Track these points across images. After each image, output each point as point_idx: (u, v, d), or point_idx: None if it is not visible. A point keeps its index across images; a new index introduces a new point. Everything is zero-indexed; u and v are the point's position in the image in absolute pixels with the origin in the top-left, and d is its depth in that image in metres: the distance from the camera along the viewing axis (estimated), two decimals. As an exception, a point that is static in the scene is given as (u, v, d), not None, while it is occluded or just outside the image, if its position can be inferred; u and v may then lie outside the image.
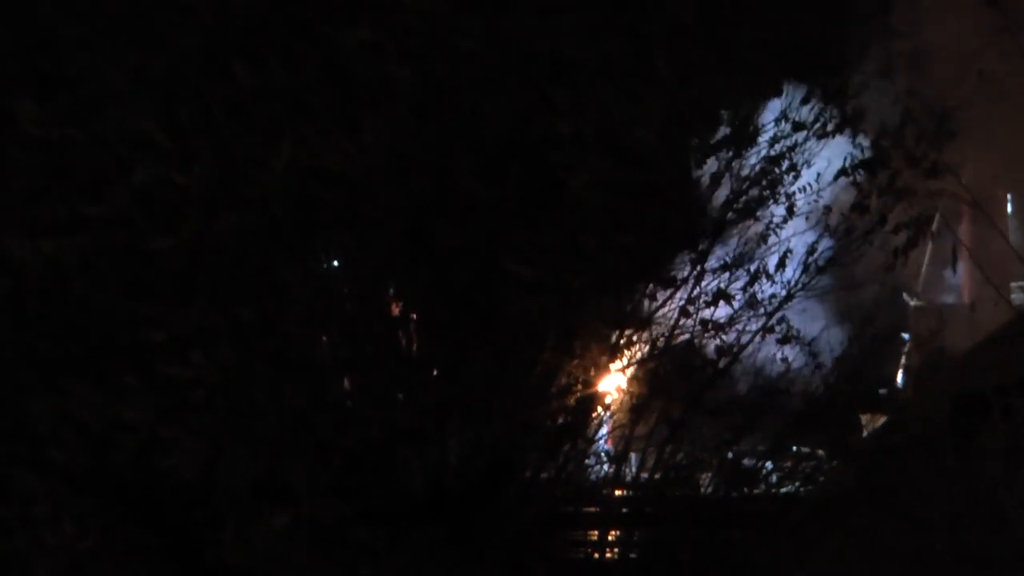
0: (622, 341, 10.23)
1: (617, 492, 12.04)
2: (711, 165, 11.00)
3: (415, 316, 8.41)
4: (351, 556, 7.47)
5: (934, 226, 12.29)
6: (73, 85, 7.18)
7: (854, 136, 11.52)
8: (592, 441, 11.19)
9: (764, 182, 11.37)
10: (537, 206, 7.53)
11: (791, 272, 11.76)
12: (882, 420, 13.94)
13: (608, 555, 11.99)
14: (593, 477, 12.03)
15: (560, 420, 9.28)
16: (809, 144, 11.45)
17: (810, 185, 11.59)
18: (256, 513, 7.02)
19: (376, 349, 7.94)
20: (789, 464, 12.42)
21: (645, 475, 11.97)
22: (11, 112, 6.88)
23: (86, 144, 7.00)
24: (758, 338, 11.76)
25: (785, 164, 11.37)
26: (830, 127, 11.43)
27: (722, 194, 11.24)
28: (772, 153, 11.34)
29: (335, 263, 7.87)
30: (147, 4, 7.15)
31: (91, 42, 7.24)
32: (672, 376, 11.39)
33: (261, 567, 7.09)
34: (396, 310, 8.38)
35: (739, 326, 11.64)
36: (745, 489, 11.98)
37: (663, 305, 11.25)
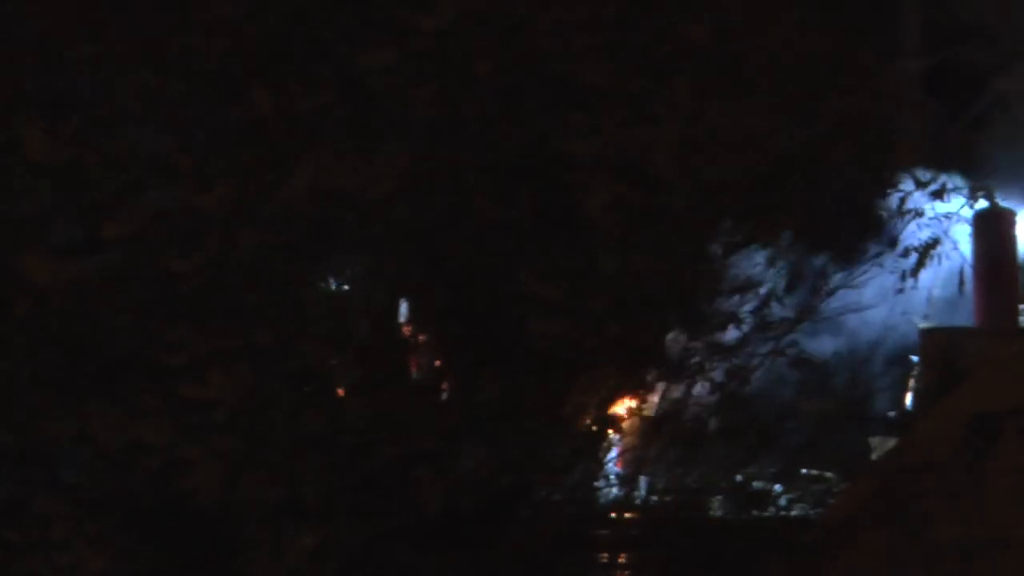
0: (636, 364, 10.18)
1: (627, 515, 12.00)
2: None
3: (430, 337, 8.40)
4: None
5: (944, 248, 12.28)
6: (85, 106, 7.19)
7: (866, 158, 11.48)
8: (603, 464, 11.15)
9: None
10: (553, 228, 7.53)
11: (801, 295, 11.71)
12: (892, 443, 13.91)
13: (619, 577, 11.94)
14: (603, 499, 11.99)
15: (574, 442, 9.26)
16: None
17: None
18: (287, 533, 7.01)
19: (391, 370, 7.93)
20: (799, 487, 12.39)
21: (655, 498, 11.92)
22: (18, 136, 6.90)
23: (98, 166, 7.01)
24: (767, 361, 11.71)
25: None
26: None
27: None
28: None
29: (351, 284, 7.87)
30: (165, 26, 7.17)
31: (104, 63, 7.26)
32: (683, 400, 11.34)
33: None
34: (411, 331, 8.37)
35: (749, 348, 11.58)
36: (755, 512, 11.94)
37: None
